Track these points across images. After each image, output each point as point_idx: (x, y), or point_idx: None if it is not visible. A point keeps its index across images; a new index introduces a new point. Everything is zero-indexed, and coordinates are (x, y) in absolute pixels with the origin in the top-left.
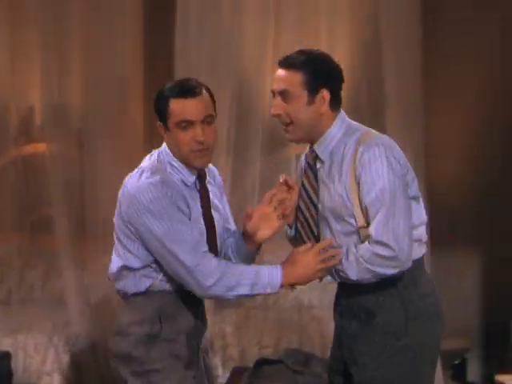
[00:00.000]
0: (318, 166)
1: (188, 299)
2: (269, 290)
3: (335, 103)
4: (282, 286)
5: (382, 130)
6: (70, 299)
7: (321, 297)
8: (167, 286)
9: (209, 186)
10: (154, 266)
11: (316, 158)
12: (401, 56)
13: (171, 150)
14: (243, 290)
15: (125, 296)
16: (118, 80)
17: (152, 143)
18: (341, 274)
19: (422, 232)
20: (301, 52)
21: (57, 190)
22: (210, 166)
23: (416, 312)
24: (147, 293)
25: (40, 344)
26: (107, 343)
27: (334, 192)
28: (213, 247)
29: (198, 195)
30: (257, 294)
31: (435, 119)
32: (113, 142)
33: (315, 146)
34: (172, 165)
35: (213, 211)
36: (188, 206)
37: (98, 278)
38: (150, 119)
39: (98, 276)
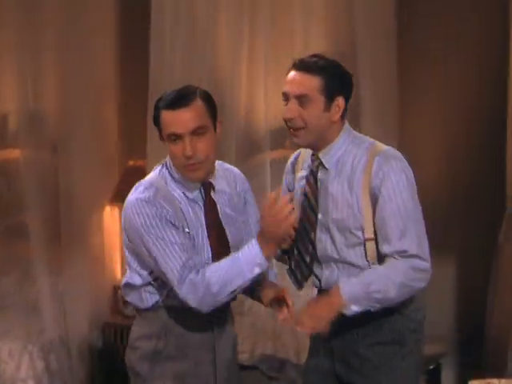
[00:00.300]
0: (321, 174)
1: (197, 314)
2: (257, 270)
3: (345, 112)
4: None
5: (357, 131)
6: (45, 306)
7: (295, 303)
8: (174, 302)
9: (218, 196)
10: (155, 283)
11: (319, 165)
12: (376, 58)
13: (172, 162)
14: (232, 288)
15: (136, 309)
16: (93, 85)
17: (126, 149)
18: (375, 295)
19: None
20: (318, 56)
21: (31, 195)
22: (234, 170)
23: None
24: (155, 308)
25: (14, 350)
26: (82, 350)
27: (342, 203)
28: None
29: (202, 207)
30: (251, 279)
31: (411, 119)
32: (88, 148)
33: (321, 154)
34: (173, 177)
35: (223, 222)
36: (186, 221)
37: (73, 285)
38: (124, 124)
39: (73, 283)
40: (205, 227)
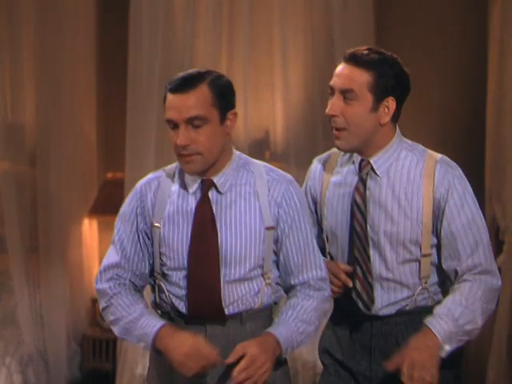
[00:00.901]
0: (370, 181)
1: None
2: (142, 345)
3: (397, 115)
4: (154, 346)
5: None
6: (23, 319)
7: None
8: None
9: (223, 197)
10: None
11: (370, 172)
12: None
13: None
14: (116, 331)
15: None
16: (71, 97)
17: (105, 161)
18: (466, 327)
19: None
20: (372, 50)
21: (9, 208)
22: (281, 176)
23: None
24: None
25: None
26: (60, 363)
27: (397, 214)
28: (208, 264)
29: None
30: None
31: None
32: (66, 161)
33: (372, 159)
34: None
35: (220, 225)
36: (163, 214)
37: (52, 298)
38: (103, 137)
39: (51, 295)
40: (190, 226)
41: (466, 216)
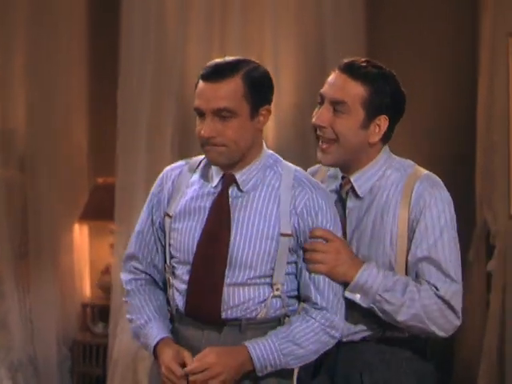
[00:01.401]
0: (350, 202)
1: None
2: (147, 352)
3: (388, 135)
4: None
5: None
6: (13, 324)
7: None
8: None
9: (244, 196)
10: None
11: (349, 192)
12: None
13: None
14: (131, 331)
15: None
16: (61, 103)
17: (95, 167)
18: (385, 303)
19: None
20: (370, 63)
21: None
22: (308, 185)
23: None
24: None
25: None
26: (51, 369)
27: (371, 238)
28: (214, 265)
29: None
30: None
31: None
32: (56, 166)
33: (353, 178)
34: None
35: (235, 226)
36: (175, 205)
37: (42, 303)
38: (93, 142)
39: (41, 301)
40: (203, 222)
41: (434, 240)
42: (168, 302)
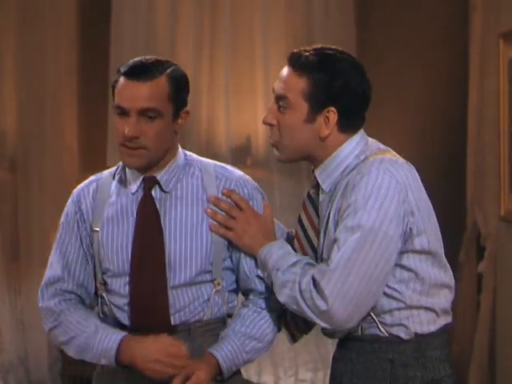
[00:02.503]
0: (321, 196)
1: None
2: (103, 361)
3: (347, 125)
4: (118, 361)
5: None
6: (4, 325)
7: None
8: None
9: (169, 197)
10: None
11: (317, 186)
12: None
13: None
14: (71, 352)
15: None
16: (52, 102)
17: (86, 167)
18: (271, 272)
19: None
20: (316, 51)
21: None
22: (231, 174)
23: None
24: None
25: None
26: (42, 370)
27: (325, 231)
28: (152, 269)
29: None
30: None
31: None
32: (47, 166)
33: (316, 171)
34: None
35: (167, 227)
36: (101, 217)
37: (33, 304)
38: (84, 142)
39: (32, 302)
40: (132, 228)
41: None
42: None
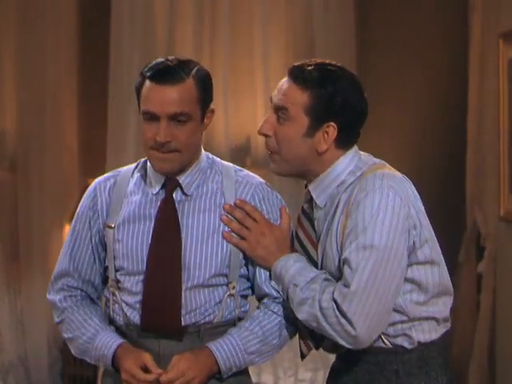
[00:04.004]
0: (316, 212)
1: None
2: (102, 365)
3: (345, 141)
4: (115, 366)
5: None
6: (4, 326)
7: None
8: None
9: (190, 201)
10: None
11: (311, 201)
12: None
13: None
14: (73, 351)
15: None
16: (52, 104)
17: (86, 167)
18: (289, 289)
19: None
20: (318, 65)
21: None
22: (250, 179)
23: None
24: None
25: None
26: (41, 370)
27: (325, 248)
28: (169, 268)
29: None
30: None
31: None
32: (47, 167)
33: (310, 186)
34: (145, 163)
35: (185, 232)
36: (130, 215)
37: (32, 304)
38: (84, 143)
39: (32, 302)
40: (151, 228)
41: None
42: (110, 321)
